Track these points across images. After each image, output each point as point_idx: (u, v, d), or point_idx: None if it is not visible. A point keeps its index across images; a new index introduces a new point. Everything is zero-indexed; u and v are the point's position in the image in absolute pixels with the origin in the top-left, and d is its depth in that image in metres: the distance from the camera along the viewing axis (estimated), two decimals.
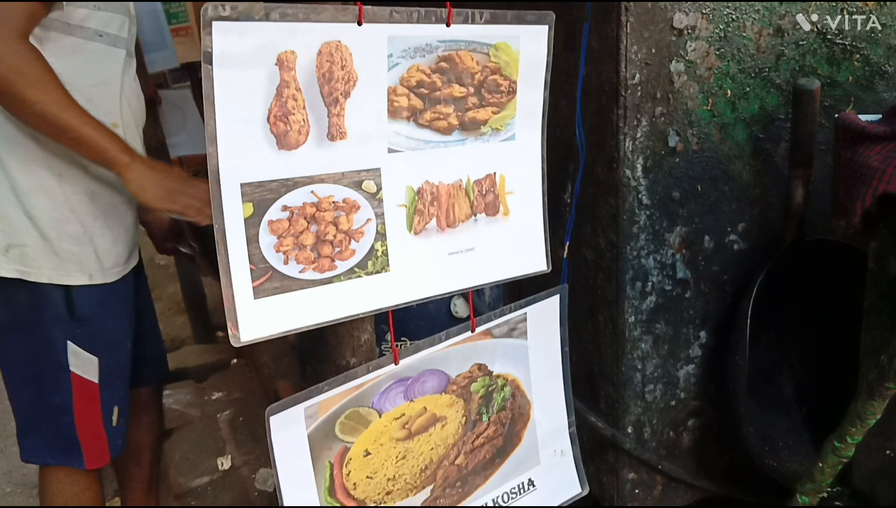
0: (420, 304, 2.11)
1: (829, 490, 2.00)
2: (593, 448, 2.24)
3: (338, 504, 1.22)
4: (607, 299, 2.07)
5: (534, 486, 1.38)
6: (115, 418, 1.94)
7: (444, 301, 2.06)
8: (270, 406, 1.13)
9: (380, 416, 1.24)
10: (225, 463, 3.08)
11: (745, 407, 2.02)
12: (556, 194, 2.11)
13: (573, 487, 1.40)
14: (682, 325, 2.10)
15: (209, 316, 3.83)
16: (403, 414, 1.25)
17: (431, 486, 1.30)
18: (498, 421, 1.33)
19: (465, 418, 1.30)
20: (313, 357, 1.37)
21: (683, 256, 2.04)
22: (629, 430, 2.13)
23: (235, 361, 3.71)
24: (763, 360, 2.14)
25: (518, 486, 1.37)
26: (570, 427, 1.39)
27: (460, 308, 2.01)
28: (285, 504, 1.19)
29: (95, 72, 1.80)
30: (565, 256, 2.11)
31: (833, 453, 1.81)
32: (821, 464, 1.84)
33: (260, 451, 3.09)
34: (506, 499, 1.36)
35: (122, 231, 1.92)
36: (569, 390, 1.37)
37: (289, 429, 1.14)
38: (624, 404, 2.11)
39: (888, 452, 1.89)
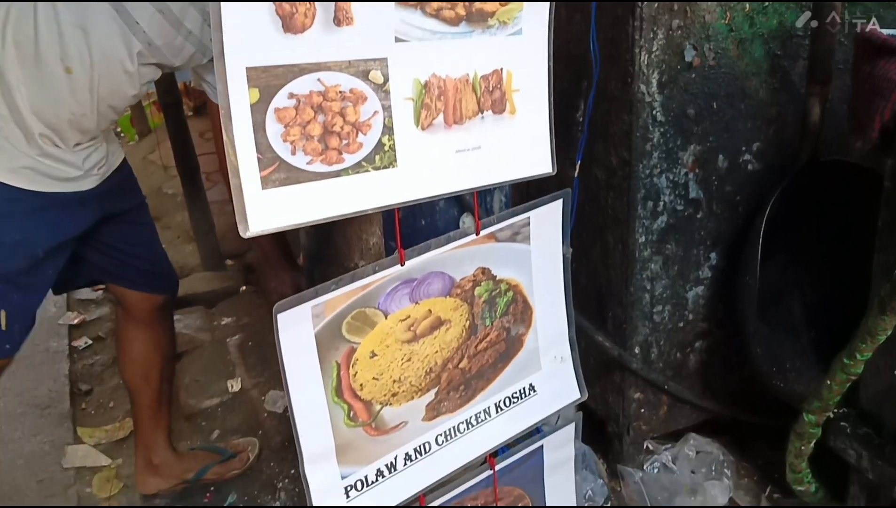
0: (428, 222, 2.09)
1: (835, 410, 2.00)
2: (600, 368, 2.25)
3: (345, 405, 1.23)
4: (618, 219, 2.05)
5: (534, 391, 1.38)
6: (2, 322, 1.93)
7: (453, 218, 2.04)
8: (278, 304, 1.13)
9: (385, 317, 1.23)
10: (235, 386, 3.11)
11: (753, 327, 2.02)
12: (568, 112, 2.08)
13: (572, 393, 1.41)
14: (693, 246, 2.08)
15: (218, 244, 3.84)
16: (409, 316, 1.25)
17: (436, 389, 1.31)
18: (500, 326, 1.33)
19: (468, 322, 1.30)
20: (321, 261, 1.36)
21: (696, 175, 2.01)
22: (636, 350, 2.13)
23: (244, 288, 3.73)
24: (773, 281, 2.12)
25: (519, 391, 1.37)
26: (569, 334, 1.38)
27: (469, 225, 2.00)
28: (293, 404, 1.19)
29: (84, 15, 1.75)
30: (576, 175, 2.09)
31: (841, 370, 1.80)
32: (829, 381, 1.83)
33: (269, 374, 3.12)
34: (507, 404, 1.36)
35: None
36: (569, 296, 1.36)
37: (296, 327, 1.14)
38: (632, 324, 2.10)
39: None
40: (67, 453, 2.99)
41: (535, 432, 1.41)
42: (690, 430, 2.31)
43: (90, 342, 3.64)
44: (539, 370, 1.39)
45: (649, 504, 2.16)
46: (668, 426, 2.27)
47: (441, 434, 1.32)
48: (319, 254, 1.36)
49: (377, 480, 1.26)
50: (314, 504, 1.22)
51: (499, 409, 1.35)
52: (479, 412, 1.34)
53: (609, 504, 2.22)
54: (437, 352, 1.29)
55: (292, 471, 2.70)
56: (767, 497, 2.27)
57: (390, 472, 1.28)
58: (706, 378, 2.23)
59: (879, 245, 1.86)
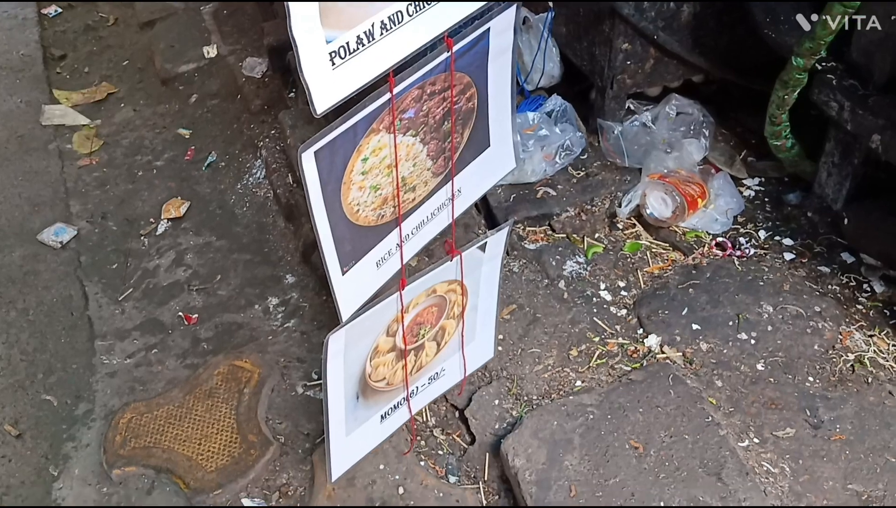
0: None
1: (822, 63, 1.96)
2: (589, 18, 2.17)
3: None
4: None
5: None
6: None
7: None
8: None
9: None
10: (211, 52, 3.02)
11: None
12: None
13: None
14: None
15: None
16: None
17: None
18: None
19: None
20: None
21: None
22: None
23: None
24: None
25: None
26: None
27: None
28: None
29: None
30: None
31: (839, 2, 1.72)
32: (824, 17, 1.76)
33: (246, 42, 3.02)
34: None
35: None
36: None
37: None
38: None
39: (894, 18, 1.81)
40: (45, 111, 2.96)
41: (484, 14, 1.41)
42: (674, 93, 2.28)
43: (60, 10, 3.48)
44: None
45: (626, 156, 2.18)
46: (652, 82, 2.23)
47: (411, 4, 1.30)
48: None
49: (357, 49, 1.27)
50: (303, 72, 1.20)
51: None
52: None
53: (585, 156, 2.24)
54: None
55: (273, 131, 2.69)
56: (742, 159, 2.30)
57: (369, 41, 1.27)
58: (697, 33, 2.15)
59: None
